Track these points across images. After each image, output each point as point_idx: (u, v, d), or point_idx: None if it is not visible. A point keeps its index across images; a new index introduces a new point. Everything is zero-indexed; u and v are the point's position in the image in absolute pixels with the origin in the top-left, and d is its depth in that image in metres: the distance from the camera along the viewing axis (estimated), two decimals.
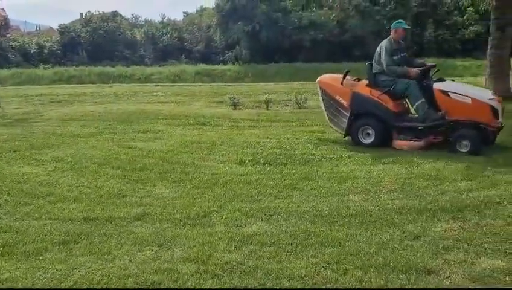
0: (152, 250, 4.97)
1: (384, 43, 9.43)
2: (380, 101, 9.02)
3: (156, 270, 4.47)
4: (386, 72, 9.18)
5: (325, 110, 9.89)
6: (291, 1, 31.80)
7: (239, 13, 31.75)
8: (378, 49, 9.42)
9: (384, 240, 4.93)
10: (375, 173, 7.44)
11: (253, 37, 31.42)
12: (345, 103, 9.34)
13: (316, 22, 31.42)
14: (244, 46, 32.63)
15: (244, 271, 4.43)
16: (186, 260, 4.70)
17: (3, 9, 39.53)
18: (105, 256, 4.83)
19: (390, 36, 9.52)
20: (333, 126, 9.92)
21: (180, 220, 5.78)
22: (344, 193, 6.58)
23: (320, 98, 9.97)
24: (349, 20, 31.11)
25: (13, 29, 41.01)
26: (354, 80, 9.63)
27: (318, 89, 10.00)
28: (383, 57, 9.21)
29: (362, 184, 6.90)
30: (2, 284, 4.28)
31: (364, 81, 9.53)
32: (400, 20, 10.05)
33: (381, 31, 30.09)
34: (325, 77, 10.07)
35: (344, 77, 9.43)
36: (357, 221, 5.50)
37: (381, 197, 6.29)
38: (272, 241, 5.08)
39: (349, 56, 30.18)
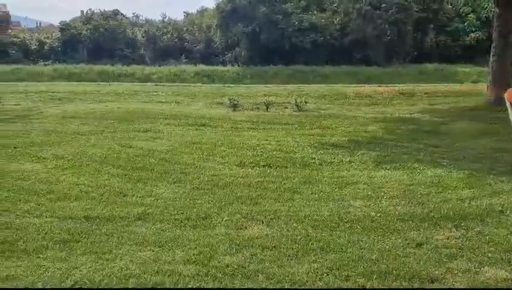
0: (153, 251, 4.95)
1: None
2: None
3: (157, 271, 4.45)
4: None
5: None
6: (291, 3, 31.77)
7: (239, 14, 31.69)
8: None
9: (387, 246, 4.92)
10: (376, 178, 7.43)
11: (253, 38, 31.38)
12: None
13: (317, 24, 31.42)
14: (243, 47, 32.60)
15: (245, 275, 4.41)
16: (187, 261, 4.68)
17: (4, 5, 39.49)
18: (106, 255, 4.81)
19: None
20: None
21: (181, 221, 5.76)
22: (345, 198, 6.57)
23: (510, 113, 8.18)
24: (350, 23, 31.14)
25: (14, 25, 40.91)
26: None
27: (507, 103, 8.23)
28: None
29: (363, 189, 6.89)
30: (3, 282, 4.25)
31: None
32: None
33: (382, 35, 30.13)
34: None
35: None
36: (358, 227, 5.49)
37: (383, 203, 6.27)
38: (273, 245, 5.06)
39: (349, 59, 30.22)
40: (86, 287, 4.20)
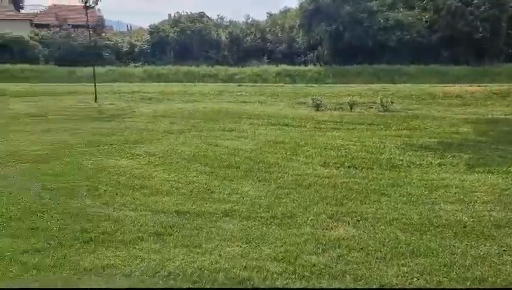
0: (240, 246, 5.08)
1: None
2: None
3: (245, 267, 4.57)
4: None
5: None
6: (377, 1, 31.03)
7: (322, 14, 31.47)
8: None
9: (481, 253, 4.70)
10: (468, 182, 7.10)
11: (336, 37, 31.01)
12: None
13: (403, 22, 30.46)
14: (326, 46, 32.33)
15: (332, 275, 4.41)
16: (274, 259, 4.76)
17: (99, 9, 42.01)
18: (197, 249, 5.01)
19: None
20: None
21: (266, 219, 5.86)
22: (435, 201, 6.34)
23: None
24: (439, 20, 29.85)
25: (107, 29, 43.46)
26: None
27: None
28: None
29: (455, 193, 6.61)
30: (104, 270, 4.56)
31: None
32: None
33: (474, 32, 28.59)
34: None
35: None
36: (450, 232, 5.29)
37: (476, 208, 5.99)
38: (360, 246, 5.02)
39: (436, 58, 29.04)
40: (178, 279, 4.40)
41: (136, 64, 32.45)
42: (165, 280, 4.37)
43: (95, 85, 18.52)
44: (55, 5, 42.55)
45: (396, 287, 4.15)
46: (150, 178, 7.59)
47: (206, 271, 4.49)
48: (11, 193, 6.78)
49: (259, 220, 5.83)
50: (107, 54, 33.67)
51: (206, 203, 6.41)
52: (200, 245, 5.11)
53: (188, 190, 7.02)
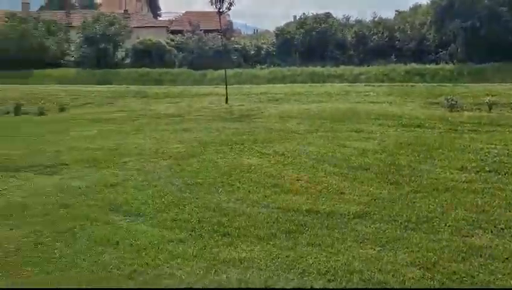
0: (374, 249, 5.00)
1: None
2: None
3: (380, 270, 4.50)
4: None
5: None
6: None
7: (457, 9, 29.63)
8: None
9: None
10: None
11: (472, 33, 28.98)
12: None
13: None
14: (460, 43, 30.39)
15: (475, 283, 4.18)
16: (410, 264, 4.62)
17: (228, 14, 43.90)
18: (329, 249, 5.02)
19: None
20: None
21: (400, 223, 5.70)
22: None
23: None
24: None
25: (236, 33, 45.25)
26: None
27: None
28: None
29: None
30: (241, 263, 4.76)
31: None
32: None
33: None
34: None
35: None
36: None
37: None
38: (505, 256, 4.68)
39: None
40: (312, 276, 4.45)
41: (262, 66, 33.30)
42: (300, 276, 4.44)
43: (226, 87, 19.40)
44: (188, 12, 45.33)
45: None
46: (279, 177, 7.76)
47: (339, 271, 4.50)
48: (155, 187, 7.39)
49: (392, 224, 5.69)
50: (235, 57, 35.01)
51: (337, 204, 6.40)
52: (332, 245, 5.12)
53: (317, 190, 7.06)
